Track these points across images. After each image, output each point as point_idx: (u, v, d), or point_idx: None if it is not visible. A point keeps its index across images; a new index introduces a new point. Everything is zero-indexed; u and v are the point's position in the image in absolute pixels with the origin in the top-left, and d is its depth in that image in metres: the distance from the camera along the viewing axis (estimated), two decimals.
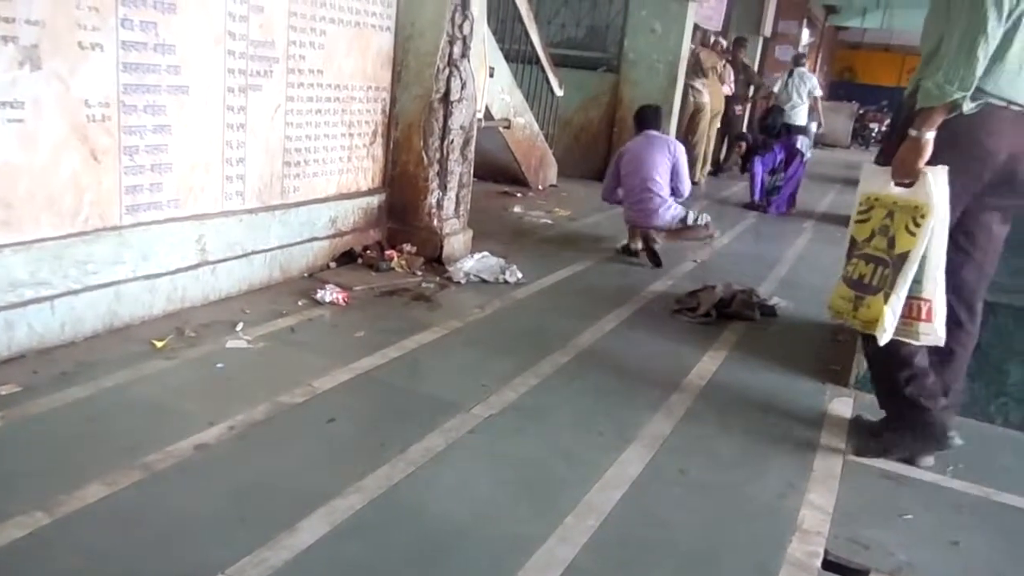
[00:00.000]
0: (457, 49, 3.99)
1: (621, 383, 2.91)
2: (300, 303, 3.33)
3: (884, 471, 2.45)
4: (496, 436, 2.38)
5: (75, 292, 2.68)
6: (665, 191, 4.79)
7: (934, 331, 2.31)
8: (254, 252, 3.40)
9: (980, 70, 2.09)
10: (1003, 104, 2.18)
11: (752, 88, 9.88)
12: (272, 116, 3.42)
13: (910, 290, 2.26)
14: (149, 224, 2.94)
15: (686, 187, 4.93)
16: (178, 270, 3.06)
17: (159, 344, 2.75)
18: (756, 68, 10.94)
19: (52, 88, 2.52)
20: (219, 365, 2.66)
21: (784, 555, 1.95)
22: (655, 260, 4.64)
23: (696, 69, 8.08)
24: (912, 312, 2.30)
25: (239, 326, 2.99)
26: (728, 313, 3.74)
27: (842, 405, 2.92)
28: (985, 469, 2.52)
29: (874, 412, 2.73)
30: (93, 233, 2.74)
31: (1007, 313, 2.82)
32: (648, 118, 5.03)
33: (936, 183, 2.20)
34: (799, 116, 9.20)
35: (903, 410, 2.47)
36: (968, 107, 2.15)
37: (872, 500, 2.28)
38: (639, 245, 4.77)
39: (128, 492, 1.89)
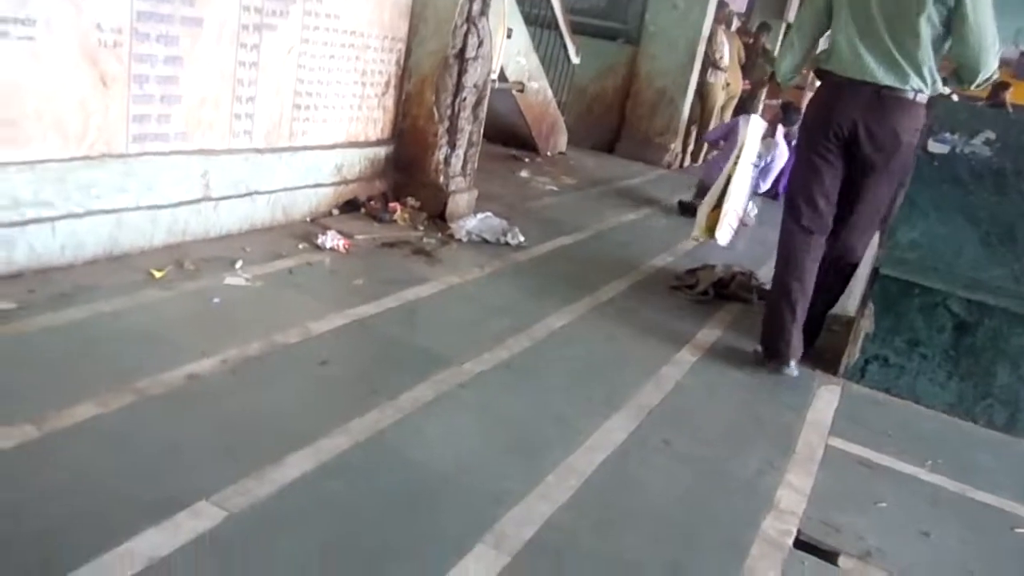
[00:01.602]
0: (476, 6, 3.95)
1: (614, 352, 2.94)
2: (300, 247, 3.33)
3: (863, 459, 2.49)
4: (486, 392, 2.40)
5: (77, 216, 2.68)
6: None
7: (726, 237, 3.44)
8: (258, 192, 3.40)
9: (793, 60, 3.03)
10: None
11: (771, 73, 9.78)
12: (285, 57, 3.40)
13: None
14: (155, 155, 2.93)
15: (765, 185, 5.51)
16: (181, 203, 3.06)
17: (158, 274, 2.76)
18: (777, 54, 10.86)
19: (65, 9, 2.50)
20: (216, 300, 2.67)
21: (757, 531, 1.99)
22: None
23: (715, 50, 7.94)
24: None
25: (238, 263, 2.99)
26: (725, 294, 3.76)
27: (829, 392, 2.96)
28: (963, 466, 2.57)
29: (865, 407, 2.75)
30: (98, 159, 2.73)
31: (1004, 316, 2.85)
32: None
33: (746, 129, 3.20)
34: None
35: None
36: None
37: (849, 486, 2.31)
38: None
39: (118, 414, 1.91)
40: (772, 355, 3.04)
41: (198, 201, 3.14)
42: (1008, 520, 2.29)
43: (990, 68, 2.73)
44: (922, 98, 2.82)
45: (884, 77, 2.78)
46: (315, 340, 2.52)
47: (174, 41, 2.88)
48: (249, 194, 3.36)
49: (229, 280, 2.85)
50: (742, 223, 5.10)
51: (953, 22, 2.70)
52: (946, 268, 2.99)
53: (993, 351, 2.90)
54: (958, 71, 2.80)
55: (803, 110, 3.44)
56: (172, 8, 2.84)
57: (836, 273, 3.13)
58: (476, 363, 2.57)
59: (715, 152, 5.76)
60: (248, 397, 2.11)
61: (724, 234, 3.10)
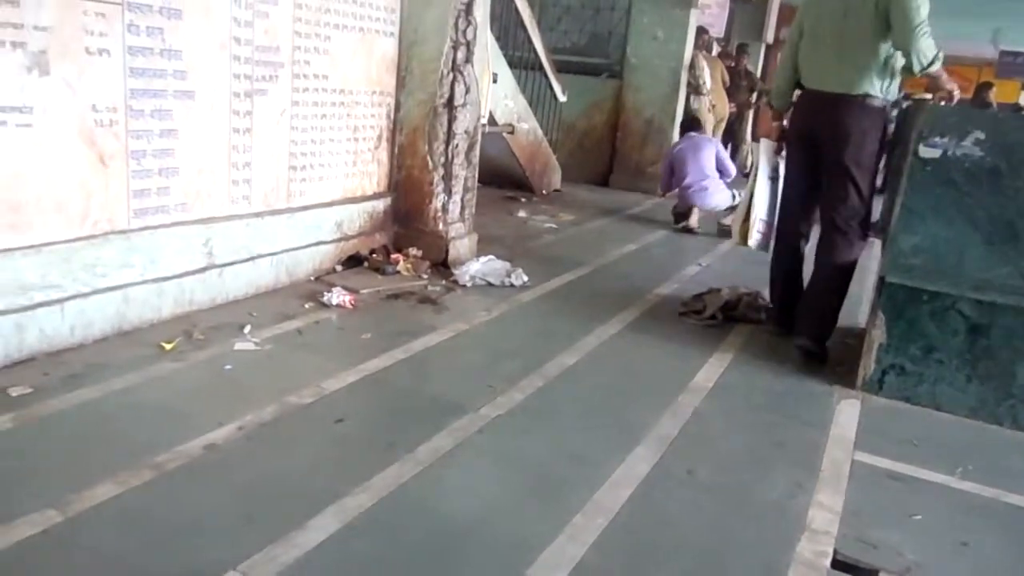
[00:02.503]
0: (461, 54, 4.02)
1: (628, 384, 2.93)
2: (307, 306, 3.35)
3: (892, 472, 2.46)
4: (504, 436, 2.39)
5: (84, 295, 2.71)
6: (715, 176, 5.98)
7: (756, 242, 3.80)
8: (260, 255, 3.43)
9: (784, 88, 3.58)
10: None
11: (755, 94, 9.90)
12: (278, 121, 3.46)
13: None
14: (156, 228, 2.97)
15: (731, 167, 6.16)
16: (185, 273, 3.09)
17: (167, 346, 2.77)
18: (759, 75, 10.97)
19: (60, 93, 2.55)
20: (227, 367, 2.68)
21: (793, 554, 1.96)
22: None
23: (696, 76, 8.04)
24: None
25: (247, 328, 3.01)
26: (734, 316, 3.76)
27: (849, 406, 2.93)
28: (994, 471, 2.54)
29: (887, 419, 2.73)
30: (101, 236, 2.77)
31: (1016, 314, 2.84)
32: (690, 125, 6.48)
33: (759, 151, 3.76)
34: None
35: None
36: None
37: (881, 501, 2.28)
38: (695, 222, 6.05)
39: (138, 491, 1.91)
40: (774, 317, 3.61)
41: (203, 270, 3.16)
42: None
43: (922, 52, 3.04)
44: (872, 101, 3.20)
45: (831, 84, 3.24)
46: (329, 398, 2.52)
47: (168, 115, 2.94)
48: (252, 258, 3.39)
49: (239, 346, 2.86)
50: (768, 226, 5.41)
51: (887, 21, 3.09)
52: (952, 271, 2.98)
53: (1010, 351, 2.88)
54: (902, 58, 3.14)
55: None
56: (164, 83, 2.90)
57: (826, 246, 3.39)
58: (491, 408, 2.56)
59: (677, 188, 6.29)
60: (267, 462, 2.11)
61: (753, 240, 3.82)
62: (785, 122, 3.62)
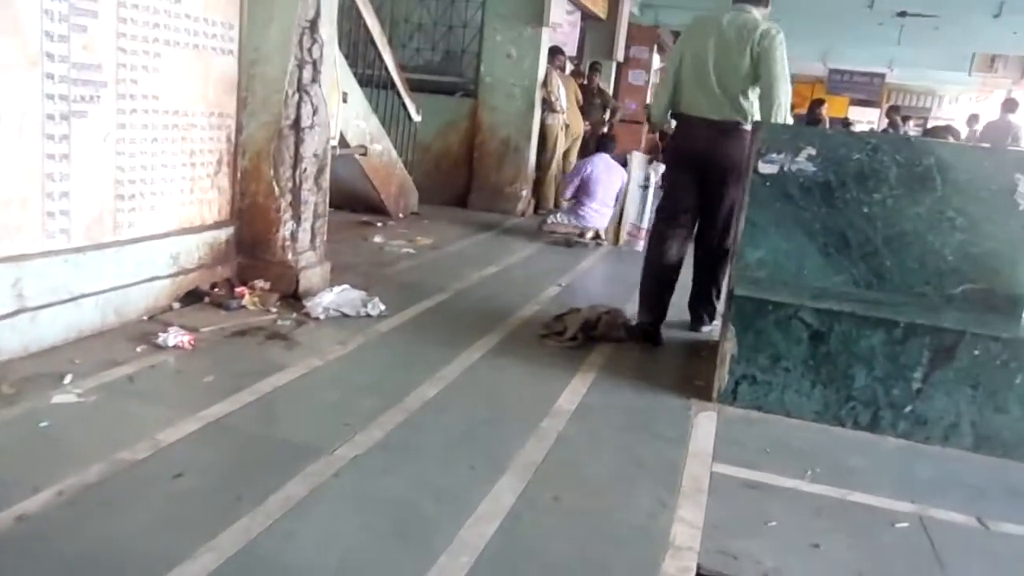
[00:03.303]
0: (307, 74, 3.91)
1: (491, 412, 2.92)
2: (139, 349, 3.13)
3: (749, 481, 2.59)
4: (363, 477, 2.32)
5: None
6: (613, 199, 6.47)
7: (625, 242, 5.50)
8: (83, 295, 3.16)
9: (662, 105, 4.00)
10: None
11: (608, 111, 10.23)
12: (101, 145, 3.22)
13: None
14: None
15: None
16: None
17: None
18: (612, 92, 11.42)
19: None
20: (43, 424, 2.44)
21: (658, 573, 2.01)
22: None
23: (550, 92, 8.22)
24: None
25: (67, 378, 2.76)
26: (595, 335, 3.83)
27: (706, 419, 3.05)
28: (839, 471, 2.72)
29: (742, 428, 2.86)
30: None
31: (851, 320, 3.04)
32: (606, 144, 6.87)
33: (632, 163, 5.35)
34: None
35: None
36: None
37: (739, 511, 2.39)
38: (588, 237, 6.59)
39: None
40: (645, 329, 3.87)
41: (12, 315, 2.87)
42: (888, 517, 2.44)
43: (781, 103, 3.55)
44: (744, 126, 3.70)
45: (713, 113, 3.71)
46: (167, 452, 2.35)
47: None
48: (73, 299, 3.12)
49: (57, 399, 2.62)
50: (637, 228, 6.28)
51: (758, 67, 3.61)
52: (793, 281, 3.19)
53: (847, 355, 3.06)
54: (760, 101, 3.66)
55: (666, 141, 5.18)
56: None
57: (711, 259, 4.02)
58: (349, 448, 2.48)
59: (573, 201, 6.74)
60: (94, 530, 1.92)
61: (623, 240, 5.17)
62: (656, 137, 4.34)
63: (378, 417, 2.73)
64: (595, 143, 7.27)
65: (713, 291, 4.15)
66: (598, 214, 6.50)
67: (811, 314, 3.07)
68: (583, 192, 6.56)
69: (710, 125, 3.70)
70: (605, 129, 9.93)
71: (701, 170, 3.77)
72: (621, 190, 6.29)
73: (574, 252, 6.22)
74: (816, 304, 3.08)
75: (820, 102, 10.60)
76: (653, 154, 6.91)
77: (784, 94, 3.57)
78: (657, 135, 7.32)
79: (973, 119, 13.03)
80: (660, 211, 4.08)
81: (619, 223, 5.86)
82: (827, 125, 10.04)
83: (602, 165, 6.58)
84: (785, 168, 3.19)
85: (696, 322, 4.21)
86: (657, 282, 3.93)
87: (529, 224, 7.16)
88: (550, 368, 3.44)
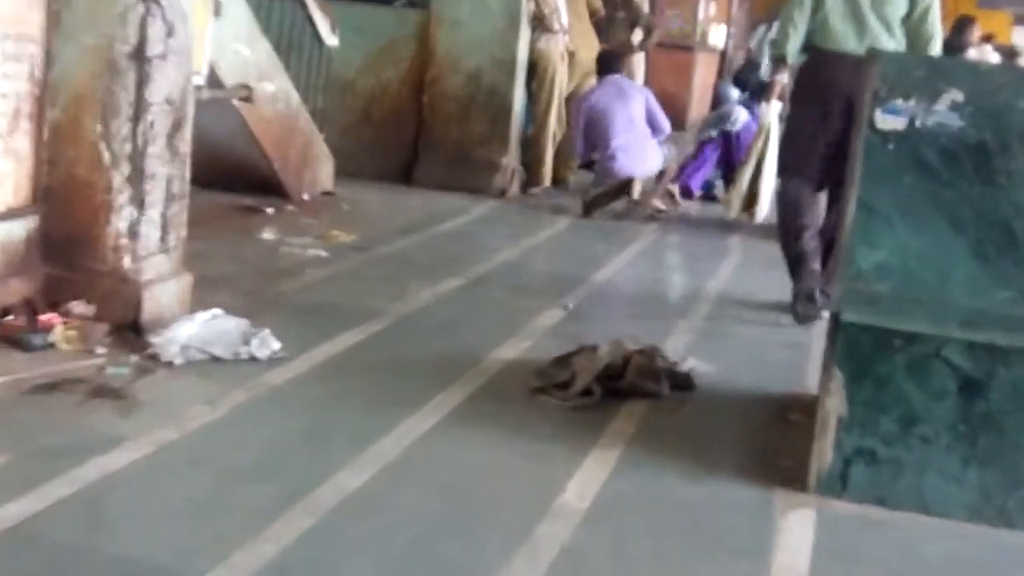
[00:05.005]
0: None
1: (453, 513, 2.34)
2: None
3: None
4: None
5: None
6: (648, 133, 5.76)
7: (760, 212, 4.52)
8: None
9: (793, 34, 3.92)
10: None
11: (640, 31, 7.89)
12: None
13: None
14: None
15: (664, 122, 5.95)
16: None
17: None
18: (648, 5, 9.58)
19: None
20: None
21: None
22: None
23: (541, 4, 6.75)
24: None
25: None
26: (620, 388, 3.03)
27: (800, 521, 2.39)
28: None
29: (856, 536, 2.31)
30: None
31: (1021, 360, 2.39)
32: (612, 63, 6.02)
33: (769, 113, 4.26)
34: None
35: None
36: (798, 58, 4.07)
37: None
38: (624, 203, 5.59)
39: None
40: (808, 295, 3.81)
41: None
42: None
43: (937, 36, 3.74)
44: None
45: (867, 49, 3.57)
46: None
47: None
48: None
49: None
50: (671, 197, 5.88)
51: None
52: (933, 299, 2.49)
53: (1019, 415, 2.40)
54: (913, 34, 3.77)
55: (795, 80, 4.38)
56: None
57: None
58: (220, 571, 1.93)
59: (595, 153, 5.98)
60: None
61: (762, 213, 4.31)
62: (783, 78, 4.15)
63: (271, 523, 2.15)
64: (597, 65, 6.28)
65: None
66: (627, 155, 5.59)
67: (962, 351, 2.44)
68: (594, 135, 5.68)
69: (860, 63, 3.51)
70: (637, 58, 8.19)
71: (846, 117, 3.60)
72: (650, 111, 5.73)
73: (608, 237, 5.36)
74: (970, 335, 2.46)
75: (970, 21, 8.21)
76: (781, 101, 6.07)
77: (939, 22, 3.72)
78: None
79: None
80: (785, 164, 4.13)
81: (751, 188, 4.77)
82: (986, 57, 7.97)
83: (608, 90, 5.74)
84: (918, 122, 2.45)
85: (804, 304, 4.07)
86: (802, 252, 3.93)
87: (516, 209, 6.07)
88: (549, 442, 2.73)
